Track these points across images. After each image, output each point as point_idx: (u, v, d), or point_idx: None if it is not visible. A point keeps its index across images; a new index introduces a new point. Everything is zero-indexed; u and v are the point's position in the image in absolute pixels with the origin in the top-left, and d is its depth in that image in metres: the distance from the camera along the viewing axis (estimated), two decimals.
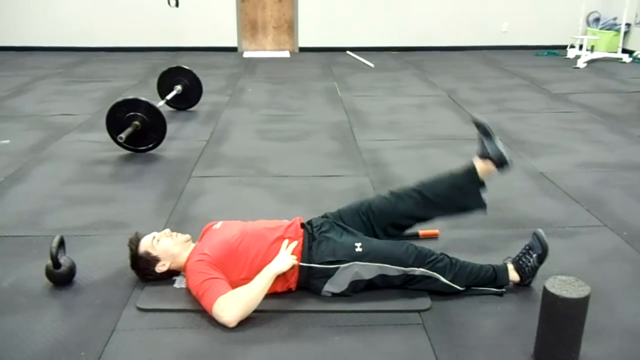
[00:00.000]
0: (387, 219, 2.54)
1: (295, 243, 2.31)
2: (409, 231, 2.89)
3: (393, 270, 2.28)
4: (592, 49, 8.23)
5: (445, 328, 2.15)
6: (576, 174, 3.78)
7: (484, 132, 2.59)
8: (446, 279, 2.30)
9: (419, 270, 2.29)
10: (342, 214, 2.56)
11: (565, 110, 5.53)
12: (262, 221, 2.48)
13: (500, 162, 2.55)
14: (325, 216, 2.56)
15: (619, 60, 8.20)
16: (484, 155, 2.57)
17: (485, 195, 2.59)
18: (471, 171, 2.57)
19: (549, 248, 2.34)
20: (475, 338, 2.10)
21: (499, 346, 2.06)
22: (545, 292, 1.86)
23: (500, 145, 2.56)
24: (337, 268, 2.26)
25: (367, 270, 2.27)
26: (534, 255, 2.35)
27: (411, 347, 2.05)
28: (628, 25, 8.56)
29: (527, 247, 2.39)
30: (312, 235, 2.36)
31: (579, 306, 1.83)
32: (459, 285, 2.32)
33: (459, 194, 2.57)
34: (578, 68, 7.71)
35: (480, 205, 2.60)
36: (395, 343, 2.07)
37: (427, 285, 2.32)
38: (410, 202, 2.54)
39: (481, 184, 2.58)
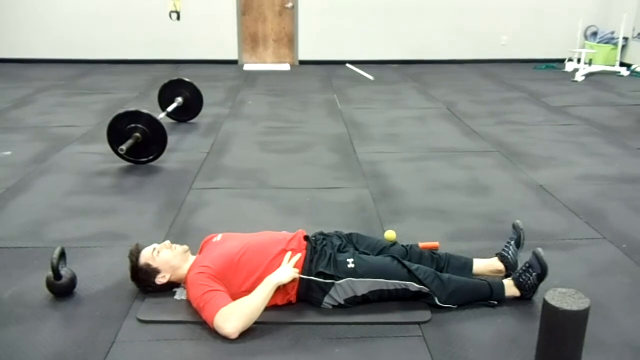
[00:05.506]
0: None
1: (298, 255, 2.33)
2: (408, 244, 2.90)
3: (389, 284, 2.30)
4: (590, 63, 8.28)
5: (446, 341, 2.16)
6: (575, 187, 3.80)
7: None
8: (440, 300, 2.31)
9: (416, 287, 2.30)
10: (355, 237, 2.58)
11: (564, 123, 5.56)
12: (265, 233, 2.49)
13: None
14: (331, 234, 2.56)
15: (617, 73, 8.24)
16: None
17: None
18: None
19: (549, 261, 2.33)
20: (476, 351, 2.10)
21: (499, 359, 2.06)
22: (546, 304, 1.87)
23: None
24: (333, 284, 2.28)
25: (362, 285, 2.29)
26: (534, 274, 2.34)
27: (412, 359, 2.05)
28: (626, 39, 8.61)
29: (527, 265, 2.38)
30: (315, 249, 2.38)
31: (579, 319, 1.84)
32: (453, 304, 2.34)
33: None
34: (576, 81, 7.75)
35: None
36: (396, 356, 2.07)
37: (424, 300, 2.34)
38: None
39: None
